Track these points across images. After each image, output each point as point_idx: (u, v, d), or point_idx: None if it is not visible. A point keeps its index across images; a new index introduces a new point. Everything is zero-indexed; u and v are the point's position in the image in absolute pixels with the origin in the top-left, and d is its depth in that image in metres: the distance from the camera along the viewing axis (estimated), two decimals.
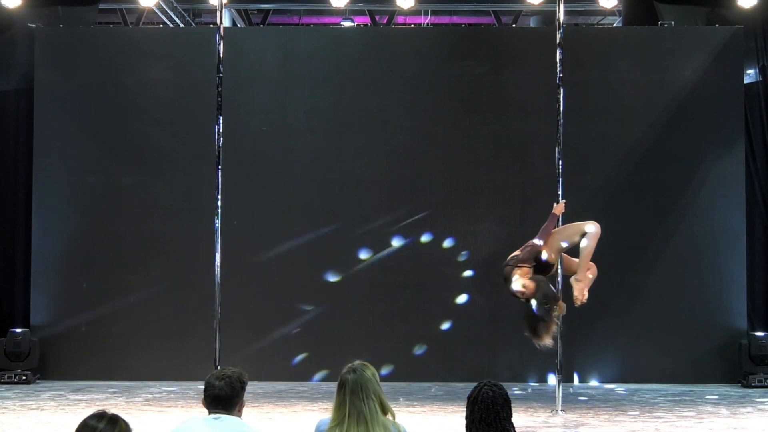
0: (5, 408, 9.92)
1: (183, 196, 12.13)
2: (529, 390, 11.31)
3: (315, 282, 12.06)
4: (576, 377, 11.85)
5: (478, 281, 12.02)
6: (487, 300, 12.00)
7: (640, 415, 9.67)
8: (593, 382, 11.83)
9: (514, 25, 13.80)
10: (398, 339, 11.98)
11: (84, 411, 9.17)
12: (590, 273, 8.49)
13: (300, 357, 11.93)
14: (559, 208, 8.97)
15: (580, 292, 8.39)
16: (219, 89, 9.82)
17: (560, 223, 9.06)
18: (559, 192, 9.70)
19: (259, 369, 11.10)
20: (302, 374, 11.86)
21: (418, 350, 11.93)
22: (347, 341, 11.77)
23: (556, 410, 9.68)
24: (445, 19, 15.02)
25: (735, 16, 12.29)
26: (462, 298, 12.02)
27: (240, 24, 14.21)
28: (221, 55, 9.80)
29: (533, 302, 7.99)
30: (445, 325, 11.97)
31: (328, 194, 12.15)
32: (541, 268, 8.32)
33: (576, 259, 8.53)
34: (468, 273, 11.98)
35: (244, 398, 4.45)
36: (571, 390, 11.12)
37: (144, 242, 12.10)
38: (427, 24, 14.68)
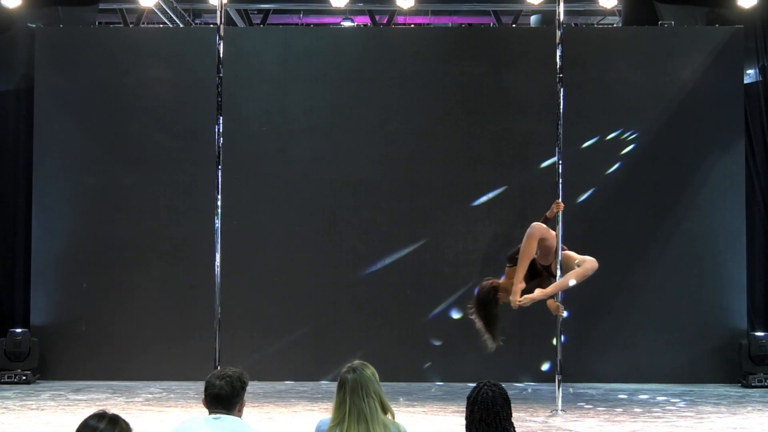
0: (5, 408, 9.92)
1: (183, 196, 12.12)
2: (529, 390, 11.30)
3: (315, 282, 12.06)
4: (576, 377, 11.81)
5: (478, 281, 12.01)
6: None
7: (640, 415, 9.67)
8: (593, 382, 11.81)
9: (514, 25, 13.80)
10: (398, 339, 11.97)
11: (84, 411, 9.17)
12: (582, 271, 8.31)
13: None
14: (557, 206, 8.95)
15: (514, 295, 8.09)
16: (219, 89, 9.81)
17: (560, 220, 9.05)
18: (560, 192, 9.68)
19: (259, 369, 11.10)
20: (302, 374, 11.86)
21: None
22: (347, 341, 11.77)
23: (556, 410, 9.67)
24: (445, 19, 15.02)
25: (735, 16, 12.29)
26: (462, 298, 12.02)
27: (240, 24, 14.20)
28: (221, 55, 9.80)
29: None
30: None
31: (328, 194, 12.14)
32: (533, 273, 8.27)
33: (576, 256, 8.40)
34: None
35: (244, 398, 4.45)
36: (571, 390, 11.11)
37: (144, 242, 12.10)
38: (428, 24, 14.69)
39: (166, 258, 12.12)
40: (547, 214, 8.69)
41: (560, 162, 9.76)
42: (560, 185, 9.69)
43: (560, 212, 9.05)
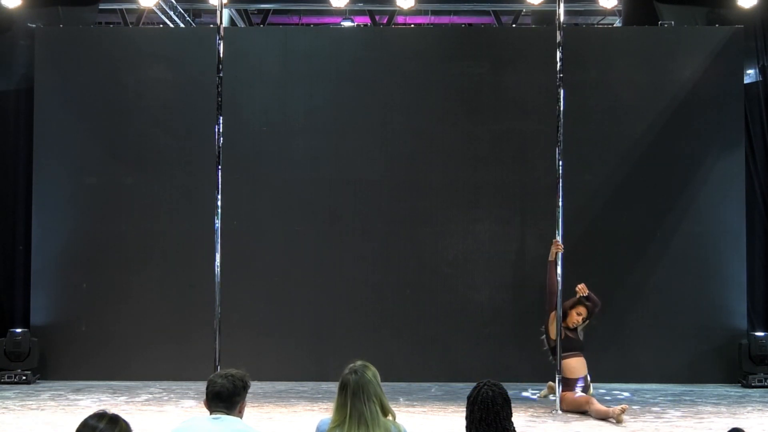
0: (5, 408, 9.93)
1: (183, 196, 12.12)
2: (529, 390, 11.30)
3: (315, 282, 12.06)
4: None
5: (478, 281, 12.03)
6: (487, 300, 12.01)
7: (640, 415, 9.67)
8: (593, 382, 11.79)
9: (514, 25, 13.81)
10: (398, 339, 11.97)
11: (84, 411, 9.18)
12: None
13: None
14: (556, 248, 9.55)
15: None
16: (219, 89, 9.81)
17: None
18: (560, 192, 9.68)
19: (259, 369, 11.09)
20: (302, 374, 11.86)
21: None
22: (347, 341, 11.77)
23: (556, 410, 9.68)
24: (445, 19, 15.03)
25: (735, 16, 12.29)
26: (462, 298, 12.02)
27: (240, 24, 14.21)
28: (221, 55, 9.80)
29: None
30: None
31: (328, 194, 12.14)
32: None
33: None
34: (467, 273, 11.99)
35: (245, 401, 4.46)
36: None
37: (144, 242, 12.10)
38: (428, 24, 14.70)
39: (166, 258, 12.11)
40: (549, 258, 9.23)
41: (560, 162, 9.77)
42: (560, 185, 9.69)
43: (560, 254, 9.42)
